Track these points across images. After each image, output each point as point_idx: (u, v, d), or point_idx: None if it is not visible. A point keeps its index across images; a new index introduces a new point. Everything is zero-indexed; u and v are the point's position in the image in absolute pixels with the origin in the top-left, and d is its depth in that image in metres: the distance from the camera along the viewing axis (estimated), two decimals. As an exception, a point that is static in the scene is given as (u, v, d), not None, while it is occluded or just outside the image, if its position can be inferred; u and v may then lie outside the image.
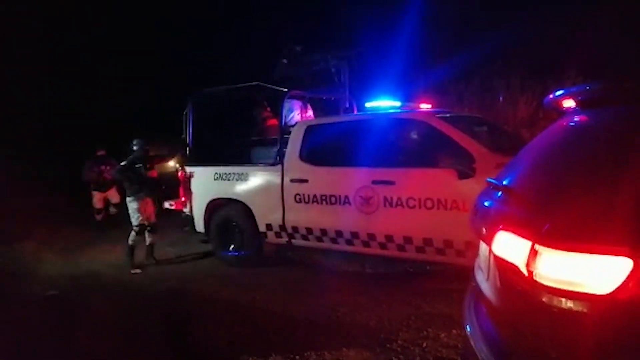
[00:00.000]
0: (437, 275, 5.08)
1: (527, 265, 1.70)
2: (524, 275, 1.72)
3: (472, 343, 2.23)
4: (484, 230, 2.28)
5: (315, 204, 5.41)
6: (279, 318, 4.39)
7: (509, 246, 1.87)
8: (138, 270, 6.38)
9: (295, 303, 4.78)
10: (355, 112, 6.51)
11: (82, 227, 9.12)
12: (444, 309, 4.26)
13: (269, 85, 6.37)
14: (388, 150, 5.04)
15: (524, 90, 11.28)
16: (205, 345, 3.93)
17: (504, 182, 2.38)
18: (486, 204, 2.42)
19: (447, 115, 5.14)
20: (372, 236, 5.01)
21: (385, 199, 4.85)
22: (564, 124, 2.39)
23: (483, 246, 2.34)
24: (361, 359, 3.47)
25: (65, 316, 4.70)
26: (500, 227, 1.97)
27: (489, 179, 2.60)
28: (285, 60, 6.62)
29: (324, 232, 5.39)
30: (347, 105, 6.44)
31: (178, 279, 5.94)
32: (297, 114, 6.59)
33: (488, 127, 5.62)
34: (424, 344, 3.62)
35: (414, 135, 4.98)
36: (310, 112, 6.86)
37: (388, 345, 3.64)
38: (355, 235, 5.14)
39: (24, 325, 4.44)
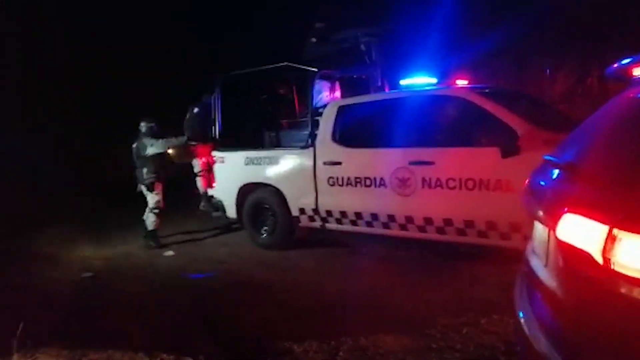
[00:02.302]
0: (474, 258, 4.87)
1: (603, 252, 1.49)
2: (597, 263, 1.51)
3: (525, 330, 2.06)
4: (543, 212, 2.07)
5: (349, 186, 5.25)
6: (312, 301, 4.28)
7: (578, 230, 1.65)
8: (171, 253, 6.37)
9: (329, 286, 4.68)
10: (387, 91, 6.29)
11: (115, 210, 9.21)
12: (482, 293, 4.07)
13: (297, 66, 6.18)
14: (425, 130, 4.84)
15: (561, 64, 10.85)
16: (237, 327, 3.87)
17: (566, 159, 2.14)
18: (543, 183, 2.21)
19: (486, 90, 4.89)
20: (409, 219, 4.83)
21: (423, 180, 4.66)
22: (636, 94, 2.15)
23: (539, 229, 2.12)
24: (400, 345, 3.31)
25: (100, 298, 4.73)
26: (566, 209, 1.75)
27: (546, 156, 2.37)
28: (314, 39, 6.42)
29: (358, 215, 5.24)
30: (379, 84, 6.21)
31: (210, 261, 5.90)
32: (326, 95, 6.40)
33: (530, 102, 5.34)
34: (464, 330, 3.44)
35: (453, 113, 4.74)
36: (338, 92, 6.66)
37: (427, 331, 3.47)
38: (391, 218, 4.97)
39: (61, 306, 4.46)
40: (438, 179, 4.57)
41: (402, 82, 5.32)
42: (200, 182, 7.13)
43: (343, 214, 5.37)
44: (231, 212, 6.53)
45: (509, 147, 4.09)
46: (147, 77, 12.98)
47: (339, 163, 5.33)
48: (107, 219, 8.64)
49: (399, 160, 4.83)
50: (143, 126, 6.66)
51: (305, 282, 4.85)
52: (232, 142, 6.72)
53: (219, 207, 6.72)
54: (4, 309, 4.22)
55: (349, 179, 5.24)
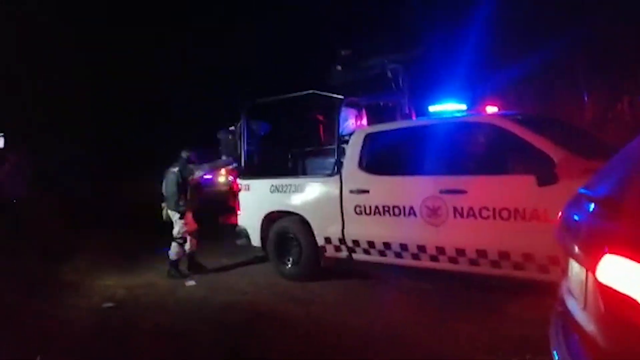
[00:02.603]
0: (505, 291, 4.62)
1: None
2: None
3: None
4: (580, 250, 1.93)
5: (377, 215, 5.11)
6: (335, 336, 4.14)
7: (622, 273, 1.52)
8: (192, 282, 6.28)
9: (353, 320, 4.51)
10: (414, 118, 6.19)
11: (137, 236, 9.19)
12: (515, 330, 3.84)
13: (324, 93, 6.15)
14: (457, 157, 4.71)
15: (590, 91, 10.63)
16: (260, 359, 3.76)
17: (603, 193, 2.01)
18: (579, 218, 2.06)
19: (519, 117, 4.74)
20: (441, 250, 4.65)
21: (455, 209, 4.50)
22: None
23: (576, 268, 1.98)
24: None
25: (120, 329, 4.65)
26: (607, 249, 1.61)
27: (580, 189, 2.24)
28: (339, 67, 6.40)
29: (387, 245, 5.08)
30: (406, 111, 6.12)
31: (233, 291, 5.79)
32: (352, 122, 6.34)
33: (564, 128, 5.17)
34: None
35: (484, 140, 4.61)
36: (364, 120, 6.59)
37: None
38: (422, 248, 4.80)
39: (80, 337, 4.41)
40: (470, 208, 4.41)
41: (432, 109, 5.22)
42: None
43: (370, 244, 5.22)
44: (256, 240, 6.44)
45: (546, 175, 3.93)
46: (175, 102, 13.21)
47: (367, 191, 5.21)
48: (132, 245, 8.63)
49: (429, 189, 4.68)
50: (184, 153, 6.68)
51: (328, 316, 4.71)
52: (257, 169, 6.69)
53: (244, 235, 6.63)
54: (22, 336, 4.17)
55: (376, 207, 5.11)
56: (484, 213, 4.32)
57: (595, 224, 1.91)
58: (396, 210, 4.95)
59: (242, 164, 6.77)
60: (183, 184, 6.50)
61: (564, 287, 2.23)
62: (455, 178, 4.56)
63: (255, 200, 6.45)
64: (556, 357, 2.08)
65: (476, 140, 4.69)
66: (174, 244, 6.58)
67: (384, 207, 5.05)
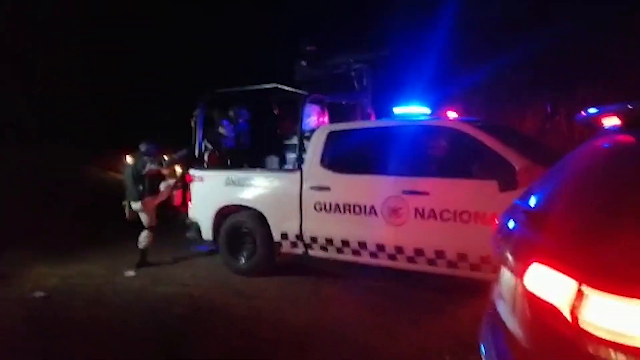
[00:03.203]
0: (446, 291, 4.75)
1: (572, 308, 1.45)
2: (565, 319, 1.48)
3: None
4: (511, 257, 2.03)
5: (337, 213, 5.10)
6: (276, 331, 4.12)
7: (547, 283, 1.61)
8: (132, 273, 6.04)
9: (292, 314, 4.54)
10: (374, 119, 6.25)
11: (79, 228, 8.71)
12: (455, 328, 3.90)
13: (287, 88, 6.06)
14: (421, 159, 4.78)
15: (531, 102, 11.19)
16: (197, 357, 3.66)
17: (534, 206, 2.14)
18: (511, 227, 2.18)
19: (480, 123, 4.90)
20: (400, 249, 4.72)
21: (416, 210, 4.57)
22: (605, 144, 2.14)
23: (506, 274, 2.09)
24: None
25: (50, 320, 4.42)
26: (534, 259, 1.71)
27: (515, 200, 2.39)
28: (303, 62, 6.34)
29: (345, 243, 5.09)
30: (368, 111, 6.16)
31: (173, 283, 5.64)
32: (314, 119, 6.31)
33: (521, 137, 5.39)
34: None
35: (448, 144, 4.71)
36: (326, 118, 6.58)
37: None
38: (380, 247, 4.84)
39: (7, 327, 4.19)
40: (432, 210, 4.49)
41: (396, 111, 5.28)
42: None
43: (329, 241, 5.21)
44: (207, 234, 6.24)
45: (507, 181, 4.07)
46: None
47: (327, 188, 5.19)
48: (70, 236, 8.13)
49: (391, 189, 4.73)
50: (142, 146, 6.51)
51: (269, 311, 4.68)
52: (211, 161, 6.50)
53: (194, 228, 6.42)
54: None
55: (337, 205, 5.10)
56: (445, 215, 4.42)
57: (525, 234, 2.03)
58: (357, 209, 4.97)
59: (197, 154, 6.56)
60: (140, 177, 6.34)
61: (495, 291, 2.34)
62: (418, 179, 4.64)
63: (209, 193, 6.26)
64: (483, 352, 2.20)
65: (440, 144, 4.78)
66: (144, 233, 6.38)
67: (344, 205, 5.05)
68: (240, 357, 3.63)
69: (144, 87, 12.95)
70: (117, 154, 9.03)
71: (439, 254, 4.49)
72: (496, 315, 2.19)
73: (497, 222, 2.54)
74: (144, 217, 6.48)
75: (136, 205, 6.42)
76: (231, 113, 6.81)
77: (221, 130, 6.72)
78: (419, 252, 4.61)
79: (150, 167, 6.35)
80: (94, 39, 12.94)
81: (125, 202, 6.56)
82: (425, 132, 4.90)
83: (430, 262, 4.57)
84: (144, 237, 6.39)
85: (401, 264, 4.77)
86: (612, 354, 1.33)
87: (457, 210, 4.36)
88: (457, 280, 4.51)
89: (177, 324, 4.35)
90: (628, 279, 1.36)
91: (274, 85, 6.04)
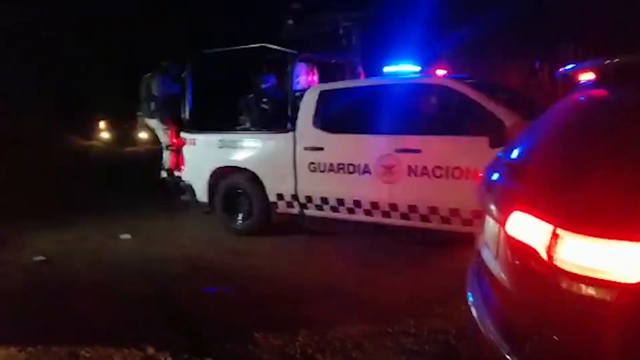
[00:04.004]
0: (435, 246, 4.94)
1: (548, 249, 1.62)
2: (542, 259, 1.65)
3: (473, 313, 2.24)
4: (494, 207, 2.21)
5: (331, 172, 5.20)
6: (272, 286, 4.27)
7: (526, 228, 1.78)
8: (128, 236, 6.12)
9: (288, 270, 4.70)
10: (363, 78, 6.26)
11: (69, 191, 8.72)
12: (441, 280, 4.06)
13: (275, 47, 6.01)
14: (413, 118, 4.87)
15: (516, 58, 11.24)
16: (197, 313, 3.79)
17: (515, 158, 2.30)
18: (496, 178, 2.34)
19: (469, 80, 4.96)
20: (393, 206, 4.85)
21: (409, 167, 4.68)
22: (581, 98, 2.28)
23: (490, 222, 2.27)
24: (357, 329, 3.33)
25: (54, 283, 4.52)
26: (515, 207, 1.88)
27: (499, 154, 2.54)
28: (291, 21, 6.27)
29: (340, 202, 5.21)
30: (357, 71, 6.17)
31: (170, 245, 5.74)
32: (303, 79, 6.30)
33: (509, 94, 5.48)
34: (419, 315, 3.49)
35: (439, 102, 4.81)
36: (315, 77, 6.57)
37: (383, 316, 3.53)
38: (375, 205, 4.98)
39: (12, 292, 4.27)
40: (425, 167, 4.61)
41: (386, 69, 5.31)
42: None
43: (324, 200, 5.33)
44: (202, 196, 6.31)
45: (498, 137, 4.17)
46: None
47: (321, 149, 5.26)
48: (63, 202, 8.15)
49: (384, 148, 4.82)
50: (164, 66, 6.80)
51: (266, 267, 4.83)
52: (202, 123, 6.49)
53: (188, 191, 6.48)
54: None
55: (331, 164, 5.19)
56: (437, 172, 4.55)
57: (507, 185, 2.20)
58: (351, 168, 5.07)
59: (187, 116, 6.54)
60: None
61: (480, 240, 2.51)
62: (410, 137, 4.73)
63: (202, 156, 6.29)
64: (470, 298, 2.38)
65: (431, 101, 4.87)
66: (166, 152, 6.69)
67: (338, 164, 5.14)
68: (237, 311, 3.75)
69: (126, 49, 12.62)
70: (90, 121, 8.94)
71: (432, 210, 4.64)
72: (481, 263, 2.37)
73: (481, 175, 2.70)
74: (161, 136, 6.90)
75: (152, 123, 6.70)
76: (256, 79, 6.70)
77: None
78: (413, 208, 4.75)
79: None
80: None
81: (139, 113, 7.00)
82: (416, 90, 4.96)
83: (424, 218, 4.72)
84: (166, 157, 6.84)
85: (395, 220, 4.92)
86: (583, 286, 1.51)
87: (449, 167, 4.48)
88: (445, 236, 4.68)
89: (174, 283, 4.46)
90: (596, 221, 1.52)
91: (262, 44, 5.98)
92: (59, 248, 5.65)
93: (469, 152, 4.40)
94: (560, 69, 2.47)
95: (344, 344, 3.16)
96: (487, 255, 2.28)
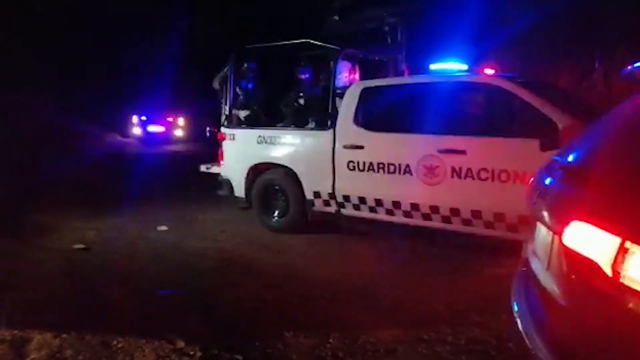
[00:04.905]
0: (478, 251, 4.68)
1: (613, 264, 1.46)
2: (606, 275, 1.49)
3: (518, 324, 2.12)
4: (548, 214, 2.04)
5: (371, 172, 5.06)
6: (306, 285, 4.18)
7: (587, 239, 1.61)
8: (164, 227, 6.17)
9: (322, 269, 4.61)
10: (407, 75, 6.09)
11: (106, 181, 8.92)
12: (482, 287, 3.92)
13: (320, 43, 5.92)
14: (458, 117, 4.67)
15: (568, 58, 10.76)
16: (229, 309, 3.74)
17: (575, 162, 2.12)
18: (550, 184, 2.17)
19: (520, 80, 4.72)
20: (435, 209, 4.68)
21: (453, 169, 4.50)
22: None
23: (542, 231, 2.09)
24: (391, 334, 3.21)
25: (92, 272, 4.58)
26: (575, 216, 1.71)
27: (554, 157, 2.35)
28: (336, 17, 6.16)
29: (379, 202, 5.07)
30: (402, 68, 6.00)
31: (204, 238, 5.76)
32: (345, 76, 6.17)
33: (562, 95, 5.20)
34: (457, 323, 3.33)
35: (487, 102, 4.59)
36: (357, 74, 6.43)
37: (420, 321, 3.39)
38: (415, 207, 4.81)
39: (52, 279, 4.31)
40: (469, 169, 4.42)
41: (433, 67, 5.13)
42: None
43: (362, 199, 5.20)
44: (239, 192, 6.29)
45: (550, 140, 3.94)
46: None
47: (361, 147, 5.13)
48: (98, 190, 8.38)
49: (427, 148, 4.65)
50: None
51: (299, 265, 4.74)
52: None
53: (226, 185, 6.48)
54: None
55: (371, 164, 5.05)
56: (483, 174, 4.34)
57: (565, 191, 2.03)
58: (391, 168, 4.92)
59: (228, 112, 6.54)
60: None
61: (528, 249, 2.35)
62: (455, 138, 4.54)
63: (241, 151, 6.27)
64: (516, 308, 2.25)
65: (478, 101, 4.66)
66: None
67: (378, 164, 5.00)
68: (269, 309, 3.70)
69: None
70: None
71: (476, 213, 4.44)
72: (529, 272, 2.22)
73: (532, 178, 2.54)
74: None
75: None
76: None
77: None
78: (455, 212, 4.56)
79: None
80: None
81: None
82: (464, 89, 4.76)
83: (466, 222, 4.52)
84: None
85: (436, 223, 4.73)
86: None
87: (496, 170, 4.27)
88: (483, 241, 4.49)
89: (208, 276, 4.46)
90: None
91: (306, 40, 5.90)
92: (99, 237, 5.76)
93: (517, 154, 4.19)
94: (628, 67, 2.27)
95: (377, 348, 3.05)
96: (537, 266, 2.13)
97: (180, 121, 19.26)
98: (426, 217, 4.77)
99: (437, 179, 4.61)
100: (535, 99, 4.19)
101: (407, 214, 4.90)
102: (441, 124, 4.64)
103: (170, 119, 19.08)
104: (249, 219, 6.36)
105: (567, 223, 1.72)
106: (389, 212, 5.03)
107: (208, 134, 7.16)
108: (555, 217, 1.97)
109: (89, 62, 13.08)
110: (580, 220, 1.67)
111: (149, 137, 18.70)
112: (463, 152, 4.45)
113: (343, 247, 5.41)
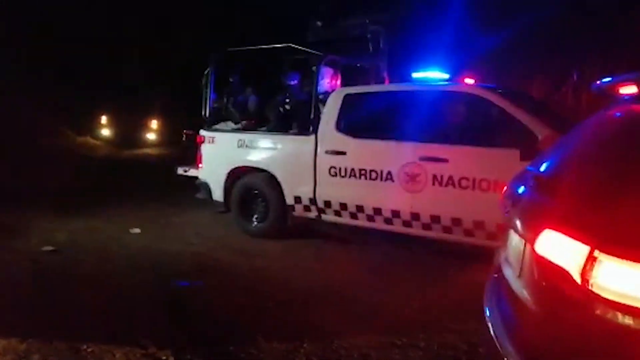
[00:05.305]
0: (458, 258, 4.74)
1: (583, 272, 1.50)
2: (575, 282, 1.53)
3: (490, 328, 2.16)
4: (520, 222, 2.09)
5: (352, 178, 5.07)
6: (280, 289, 4.16)
7: (558, 248, 1.66)
8: (137, 230, 6.04)
9: (295, 274, 4.60)
10: (387, 83, 6.14)
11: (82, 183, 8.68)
12: (454, 293, 3.95)
13: (302, 48, 5.91)
14: (439, 126, 4.72)
15: (540, 70, 11.04)
16: (202, 313, 3.71)
17: (546, 172, 2.18)
18: (524, 193, 2.22)
19: (500, 90, 4.82)
20: (415, 216, 4.71)
21: (434, 177, 4.54)
22: (621, 112, 2.13)
23: (515, 238, 2.15)
24: (364, 339, 3.23)
25: (60, 275, 4.44)
26: (546, 224, 1.75)
27: (528, 167, 2.43)
28: (319, 23, 6.17)
29: (360, 208, 5.08)
30: (383, 75, 6.05)
31: (178, 241, 5.66)
32: (327, 82, 6.18)
33: (538, 105, 5.32)
34: (429, 328, 3.36)
35: (469, 111, 4.65)
36: (339, 80, 6.45)
37: (392, 327, 3.41)
38: (396, 214, 4.84)
39: (18, 282, 4.19)
40: (450, 177, 4.47)
41: (415, 75, 5.18)
42: None
43: (343, 206, 5.19)
44: (217, 195, 6.21)
45: (530, 150, 4.02)
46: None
47: (343, 153, 5.14)
48: (73, 191, 8.16)
49: (409, 155, 4.69)
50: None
51: (272, 270, 4.73)
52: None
53: (204, 189, 6.39)
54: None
55: (352, 170, 5.06)
56: (464, 183, 4.40)
57: (537, 200, 2.08)
58: (373, 174, 4.93)
59: (207, 114, 6.46)
60: None
61: (501, 256, 2.40)
62: (437, 146, 4.59)
63: (220, 154, 6.20)
64: (488, 314, 2.29)
65: (461, 110, 4.72)
66: None
67: (360, 170, 5.01)
68: (242, 313, 3.66)
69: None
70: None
71: (456, 221, 4.49)
72: (501, 279, 2.26)
73: (506, 187, 2.60)
74: None
75: None
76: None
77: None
78: (435, 219, 4.61)
79: None
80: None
81: None
82: (446, 98, 4.83)
83: (446, 229, 4.57)
84: None
85: (416, 230, 4.77)
86: (620, 315, 1.39)
87: (477, 179, 4.33)
88: (459, 247, 4.59)
89: (180, 280, 4.39)
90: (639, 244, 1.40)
91: (288, 45, 5.89)
92: (69, 238, 5.60)
93: (498, 164, 4.25)
94: (598, 82, 2.33)
95: (350, 354, 3.07)
96: (509, 272, 2.17)
97: (154, 124, 19.05)
98: (407, 224, 4.80)
99: (418, 186, 4.65)
100: (516, 110, 4.27)
101: (388, 221, 4.92)
102: (423, 132, 4.69)
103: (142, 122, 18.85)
104: (226, 223, 6.29)
105: (539, 231, 1.76)
106: (370, 219, 5.04)
107: (184, 137, 7.06)
108: (527, 226, 2.01)
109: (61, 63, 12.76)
110: (552, 228, 1.71)
111: (119, 139, 18.44)
112: (444, 160, 4.50)
113: (320, 252, 5.39)
